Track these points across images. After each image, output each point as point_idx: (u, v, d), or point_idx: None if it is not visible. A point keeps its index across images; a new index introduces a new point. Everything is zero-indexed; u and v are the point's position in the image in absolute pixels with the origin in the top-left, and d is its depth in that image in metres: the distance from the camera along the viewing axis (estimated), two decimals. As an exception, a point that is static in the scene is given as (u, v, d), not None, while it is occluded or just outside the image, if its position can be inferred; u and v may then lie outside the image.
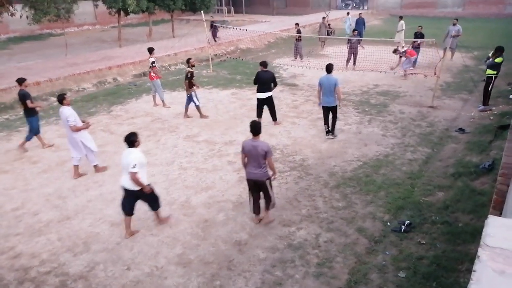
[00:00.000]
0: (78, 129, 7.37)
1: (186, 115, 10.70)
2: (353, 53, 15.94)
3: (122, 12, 20.47)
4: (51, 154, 8.70)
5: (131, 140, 5.51)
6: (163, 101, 11.72)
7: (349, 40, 16.01)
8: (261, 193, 5.94)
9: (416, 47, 14.97)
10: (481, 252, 1.98)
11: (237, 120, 10.56)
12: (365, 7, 37.12)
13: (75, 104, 12.19)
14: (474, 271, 1.85)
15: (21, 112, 7.44)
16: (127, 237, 5.81)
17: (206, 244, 5.62)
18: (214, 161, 8.21)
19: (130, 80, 15.30)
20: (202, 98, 12.62)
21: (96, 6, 22.20)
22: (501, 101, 11.44)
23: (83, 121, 7.67)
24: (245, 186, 7.17)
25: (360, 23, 19.97)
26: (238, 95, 12.69)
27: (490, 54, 11.10)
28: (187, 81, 10.07)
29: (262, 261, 5.28)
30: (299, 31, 17.83)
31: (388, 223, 6.00)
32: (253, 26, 26.45)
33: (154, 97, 11.90)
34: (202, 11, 18.20)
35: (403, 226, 5.81)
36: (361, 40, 16.73)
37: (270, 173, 5.79)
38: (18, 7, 16.62)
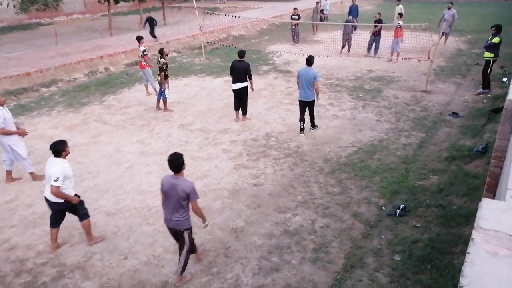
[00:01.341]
0: (5, 133, 6.68)
1: (158, 107, 10.51)
2: (347, 39, 15.86)
3: (112, 0, 20.11)
4: (43, 146, 8.59)
5: (57, 149, 4.91)
6: (155, 89, 11.58)
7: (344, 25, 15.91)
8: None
9: (377, 34, 14.94)
10: (475, 234, 2.00)
11: (231, 108, 10.48)
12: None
13: (67, 95, 12.07)
14: (468, 253, 1.87)
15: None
16: (52, 252, 5.37)
17: (202, 232, 5.62)
18: (209, 149, 8.19)
19: (122, 69, 15.13)
20: (195, 86, 12.56)
21: (85, -6, 21.79)
22: (494, 84, 11.46)
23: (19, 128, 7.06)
24: (240, 174, 7.22)
25: (354, 10, 19.79)
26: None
27: (489, 38, 10.45)
28: (162, 73, 9.89)
29: (259, 248, 5.31)
30: (298, 16, 17.81)
31: (383, 208, 6.05)
32: (246, 12, 26.12)
33: (146, 86, 11.79)
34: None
35: (398, 210, 5.86)
36: (356, 26, 16.64)
37: (202, 220, 4.71)
38: (5, -4, 16.31)
